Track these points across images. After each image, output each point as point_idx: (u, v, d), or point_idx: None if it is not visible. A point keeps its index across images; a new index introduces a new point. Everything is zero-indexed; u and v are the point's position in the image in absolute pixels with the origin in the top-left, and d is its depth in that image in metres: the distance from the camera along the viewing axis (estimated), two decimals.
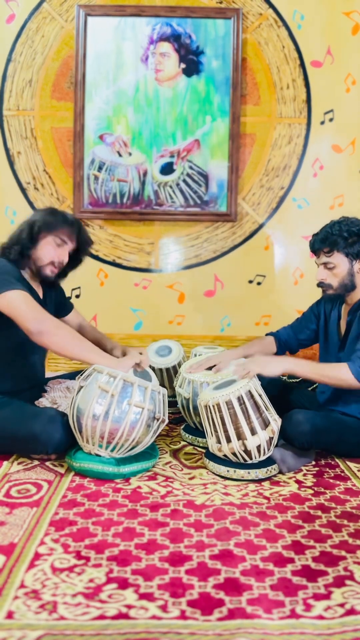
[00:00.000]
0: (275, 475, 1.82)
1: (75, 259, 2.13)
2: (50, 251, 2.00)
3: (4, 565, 1.24)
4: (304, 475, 1.85)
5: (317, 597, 1.16)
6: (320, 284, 2.04)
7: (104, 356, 1.86)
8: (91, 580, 1.20)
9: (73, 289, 3.30)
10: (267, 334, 2.38)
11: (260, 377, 1.93)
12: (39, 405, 2.00)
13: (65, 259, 2.05)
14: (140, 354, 1.97)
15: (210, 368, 2.17)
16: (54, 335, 1.81)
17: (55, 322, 1.86)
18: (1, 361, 2.00)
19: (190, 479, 1.79)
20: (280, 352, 2.36)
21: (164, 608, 1.11)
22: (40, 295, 2.11)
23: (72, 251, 2.08)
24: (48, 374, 2.30)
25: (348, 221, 1.99)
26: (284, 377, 2.91)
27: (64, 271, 2.12)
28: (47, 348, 1.86)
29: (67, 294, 3.23)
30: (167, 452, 2.04)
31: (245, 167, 3.27)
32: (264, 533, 1.43)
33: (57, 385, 2.13)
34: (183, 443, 2.16)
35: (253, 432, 1.76)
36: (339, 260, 1.97)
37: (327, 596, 1.16)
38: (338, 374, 1.86)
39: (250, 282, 3.35)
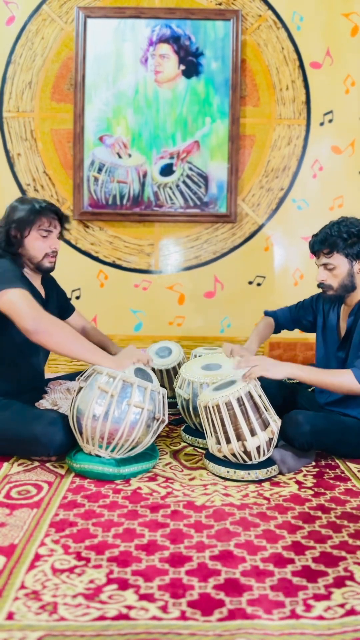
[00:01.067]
0: (275, 476, 1.82)
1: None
2: (40, 245, 1.98)
3: (5, 567, 1.24)
4: (304, 476, 1.85)
5: (317, 597, 1.16)
6: (320, 285, 2.05)
7: (102, 355, 1.84)
8: (91, 581, 1.20)
9: (73, 290, 3.31)
10: (265, 312, 2.44)
11: (259, 377, 1.92)
12: (39, 406, 2.00)
13: (57, 245, 2.03)
14: (138, 350, 1.97)
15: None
16: (51, 334, 1.77)
17: (54, 320, 1.82)
18: (2, 363, 2.00)
19: (191, 479, 1.79)
20: (277, 331, 2.42)
21: (164, 609, 1.11)
22: (43, 295, 2.11)
23: (59, 234, 2.05)
24: (48, 375, 2.30)
25: (347, 222, 1.98)
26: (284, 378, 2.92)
27: None
28: (45, 347, 1.84)
29: (67, 296, 3.25)
30: (167, 453, 2.04)
31: (244, 168, 3.27)
32: (264, 534, 1.43)
33: (58, 387, 2.13)
34: (183, 444, 2.16)
35: (253, 433, 1.76)
36: (339, 261, 1.97)
37: (327, 597, 1.16)
38: (342, 380, 1.83)
39: (250, 283, 3.35)
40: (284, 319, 2.37)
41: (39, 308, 1.80)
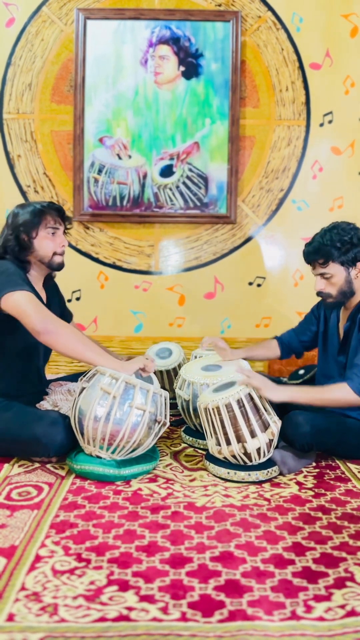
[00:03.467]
0: (275, 477, 1.83)
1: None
2: (49, 244, 1.99)
3: (5, 568, 1.24)
4: (305, 476, 1.85)
5: (318, 598, 1.16)
6: (319, 294, 2.04)
7: (108, 358, 1.85)
8: (92, 583, 1.20)
9: (73, 292, 3.31)
10: (271, 339, 2.42)
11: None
12: (40, 407, 2.00)
13: (65, 242, 2.05)
14: (147, 359, 1.97)
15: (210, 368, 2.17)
16: (60, 334, 1.80)
17: (61, 322, 1.85)
18: (4, 365, 2.00)
19: (191, 481, 1.79)
20: (284, 355, 2.37)
21: (164, 610, 1.11)
22: (45, 299, 2.12)
23: (64, 231, 2.07)
24: (49, 377, 2.30)
25: (339, 228, 1.95)
26: (284, 379, 2.92)
27: None
28: (52, 348, 1.86)
29: (68, 297, 3.26)
30: (167, 454, 2.04)
31: (244, 169, 3.28)
32: (265, 535, 1.43)
33: (59, 388, 2.13)
34: (183, 445, 2.16)
35: (253, 434, 1.76)
36: (335, 270, 1.96)
37: (327, 598, 1.16)
38: (339, 395, 1.82)
39: (250, 284, 3.35)
40: (289, 338, 2.35)
41: (45, 309, 1.84)
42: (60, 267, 2.06)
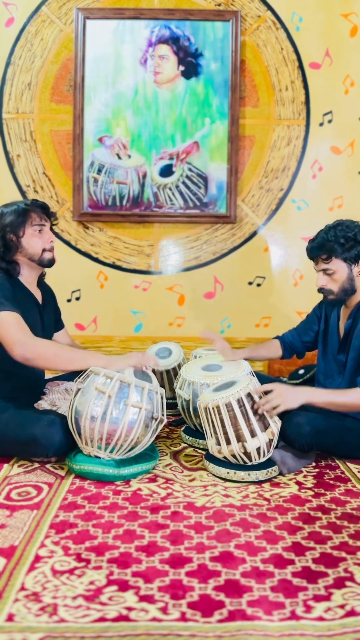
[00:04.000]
0: (275, 477, 1.82)
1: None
2: (37, 241, 2.00)
3: (5, 568, 1.24)
4: (304, 476, 1.85)
5: (318, 598, 1.16)
6: (320, 290, 2.04)
7: (96, 357, 1.87)
8: (91, 583, 1.20)
9: (73, 292, 3.31)
10: (273, 338, 2.40)
11: (260, 379, 1.93)
12: (38, 407, 2.00)
13: (53, 238, 2.07)
14: (144, 356, 1.98)
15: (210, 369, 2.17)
16: (39, 358, 1.81)
17: (39, 344, 1.84)
18: (2, 367, 2.00)
19: (191, 480, 1.79)
20: (286, 354, 2.38)
21: (164, 610, 1.11)
22: (40, 300, 2.12)
23: (50, 227, 2.08)
24: (46, 376, 2.30)
25: (343, 225, 1.97)
26: (285, 378, 2.92)
27: None
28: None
29: (67, 297, 3.26)
30: (167, 454, 2.04)
31: (244, 169, 3.27)
32: (264, 535, 1.43)
33: (56, 387, 2.13)
34: (183, 445, 2.16)
35: (253, 434, 1.76)
36: (338, 266, 1.97)
37: (327, 597, 1.16)
38: (354, 398, 1.82)
39: (250, 283, 3.35)
40: (290, 337, 2.35)
41: (27, 333, 1.82)
42: (51, 263, 2.07)
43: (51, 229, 2.09)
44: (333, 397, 1.86)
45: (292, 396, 1.81)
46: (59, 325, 2.35)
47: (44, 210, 2.05)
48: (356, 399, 1.82)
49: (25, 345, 1.80)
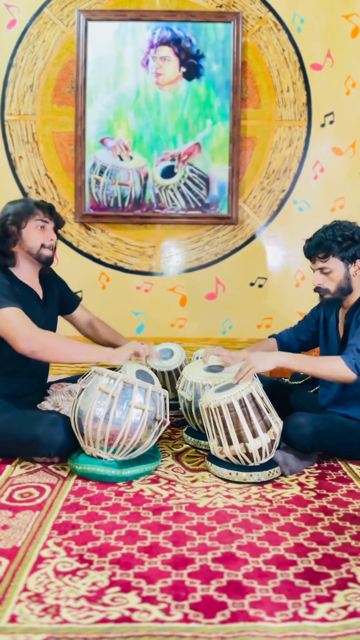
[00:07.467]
0: (277, 478, 1.82)
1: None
2: (38, 235, 2.01)
3: (7, 569, 1.24)
4: (307, 477, 1.85)
5: (320, 599, 1.16)
6: (317, 289, 2.05)
7: (98, 351, 1.89)
8: (94, 584, 1.20)
9: (75, 293, 3.30)
10: (269, 336, 2.40)
11: (261, 379, 1.92)
12: (41, 408, 2.01)
13: (54, 237, 2.07)
14: (139, 344, 1.99)
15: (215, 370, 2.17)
16: (46, 351, 1.84)
17: (46, 335, 1.87)
18: (4, 366, 2.01)
19: (193, 481, 1.79)
20: None
21: (166, 611, 1.11)
22: (40, 295, 2.12)
23: (54, 229, 2.09)
24: (51, 378, 2.30)
25: (341, 225, 1.99)
26: (286, 379, 2.92)
27: None
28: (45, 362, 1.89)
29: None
30: (169, 455, 2.04)
31: (246, 170, 3.28)
32: (267, 536, 1.43)
33: (60, 389, 2.14)
34: (185, 446, 2.16)
35: (255, 434, 1.76)
36: (335, 264, 1.98)
37: (329, 599, 1.16)
38: (332, 366, 1.85)
39: (252, 284, 3.35)
40: (287, 337, 2.35)
41: (31, 326, 1.84)
42: (48, 261, 2.06)
43: (55, 232, 2.09)
44: (311, 362, 1.88)
45: (260, 359, 1.86)
46: (72, 304, 2.34)
47: (50, 210, 2.06)
48: (334, 367, 1.84)
49: (31, 338, 1.81)
